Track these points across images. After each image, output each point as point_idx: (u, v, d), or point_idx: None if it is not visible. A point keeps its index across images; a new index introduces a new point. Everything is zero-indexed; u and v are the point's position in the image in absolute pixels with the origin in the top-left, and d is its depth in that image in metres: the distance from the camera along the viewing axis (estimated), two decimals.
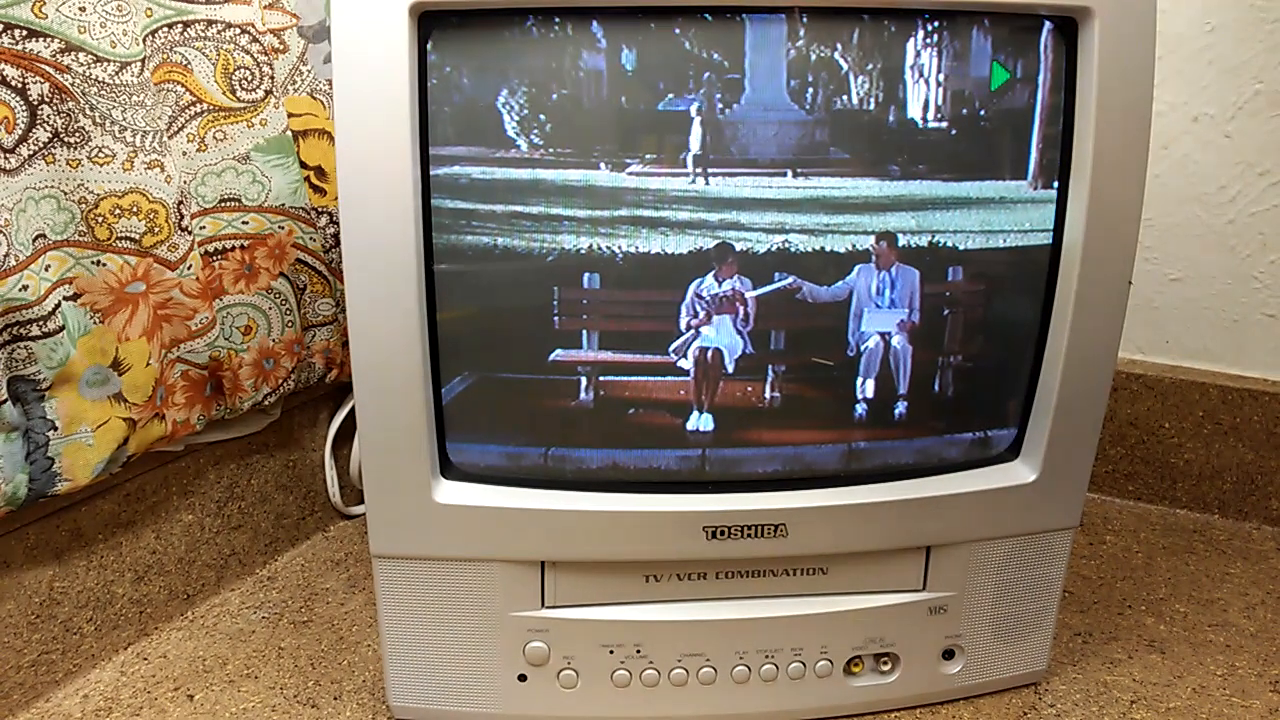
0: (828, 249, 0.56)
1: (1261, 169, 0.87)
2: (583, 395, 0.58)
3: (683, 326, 0.57)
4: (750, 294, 0.56)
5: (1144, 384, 0.93)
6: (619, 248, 0.55)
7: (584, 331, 0.57)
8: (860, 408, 0.59)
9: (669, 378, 0.58)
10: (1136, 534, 0.90)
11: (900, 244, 0.56)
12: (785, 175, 0.55)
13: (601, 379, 0.57)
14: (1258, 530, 0.91)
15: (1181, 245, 0.92)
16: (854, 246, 0.56)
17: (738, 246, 0.55)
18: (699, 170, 0.54)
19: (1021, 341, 0.60)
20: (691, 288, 0.56)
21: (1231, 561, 0.85)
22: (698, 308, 0.56)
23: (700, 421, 0.59)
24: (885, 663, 0.65)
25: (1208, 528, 0.91)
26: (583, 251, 0.55)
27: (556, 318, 0.56)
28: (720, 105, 0.53)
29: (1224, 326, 0.92)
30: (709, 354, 0.58)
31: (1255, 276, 0.90)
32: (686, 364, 0.58)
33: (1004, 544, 0.63)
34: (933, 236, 0.56)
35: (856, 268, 0.56)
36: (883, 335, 0.58)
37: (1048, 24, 0.55)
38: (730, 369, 0.58)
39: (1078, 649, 0.72)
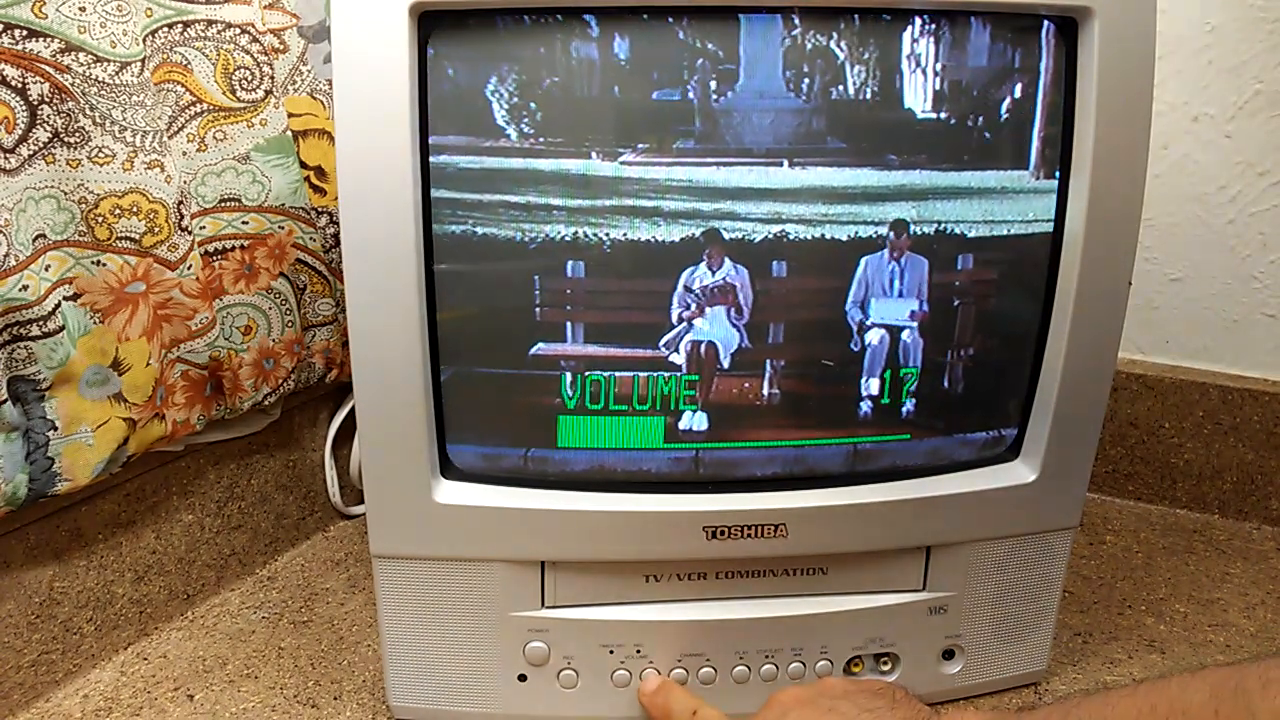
0: (827, 237, 0.55)
1: (1261, 169, 0.87)
2: (567, 392, 0.57)
3: (674, 319, 0.56)
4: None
5: (1144, 384, 0.93)
6: (606, 236, 0.54)
7: (568, 324, 0.56)
8: (865, 405, 0.59)
9: (660, 373, 0.57)
10: (1136, 534, 0.90)
11: (912, 232, 0.56)
12: (781, 164, 0.54)
13: (587, 375, 0.57)
14: (1258, 530, 0.91)
15: (1181, 245, 0.92)
16: (855, 235, 0.55)
17: (729, 235, 0.55)
18: (693, 159, 0.54)
19: (1023, 339, 0.60)
20: (682, 278, 0.55)
21: (1231, 561, 0.85)
22: (689, 299, 0.55)
23: (694, 420, 0.58)
24: (885, 663, 0.65)
25: (1208, 528, 0.91)
26: (568, 240, 0.54)
27: (538, 309, 0.55)
28: (714, 94, 0.53)
29: (1224, 326, 0.92)
30: (702, 348, 0.57)
31: (1255, 276, 0.90)
32: (679, 359, 0.57)
33: (1004, 544, 0.63)
34: (937, 226, 0.56)
35: (863, 260, 0.56)
36: (888, 329, 0.58)
37: (1048, 23, 0.55)
38: (726, 364, 0.57)
39: (1078, 649, 0.72)
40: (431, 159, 0.53)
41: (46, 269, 0.60)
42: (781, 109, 0.53)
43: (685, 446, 0.59)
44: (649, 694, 0.61)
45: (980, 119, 0.55)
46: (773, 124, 0.54)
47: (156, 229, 0.65)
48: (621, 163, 0.53)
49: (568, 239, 0.54)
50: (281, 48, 0.74)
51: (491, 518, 0.58)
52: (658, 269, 0.55)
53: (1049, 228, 0.58)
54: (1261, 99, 0.85)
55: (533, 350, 0.56)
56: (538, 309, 0.56)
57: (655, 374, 0.57)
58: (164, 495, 0.74)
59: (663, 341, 0.57)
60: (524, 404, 0.57)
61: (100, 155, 0.62)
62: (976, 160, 0.56)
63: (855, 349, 0.58)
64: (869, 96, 0.54)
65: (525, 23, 0.52)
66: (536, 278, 0.55)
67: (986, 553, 0.63)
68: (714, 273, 0.55)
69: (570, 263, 0.55)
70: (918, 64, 0.54)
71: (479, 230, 0.54)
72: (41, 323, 0.59)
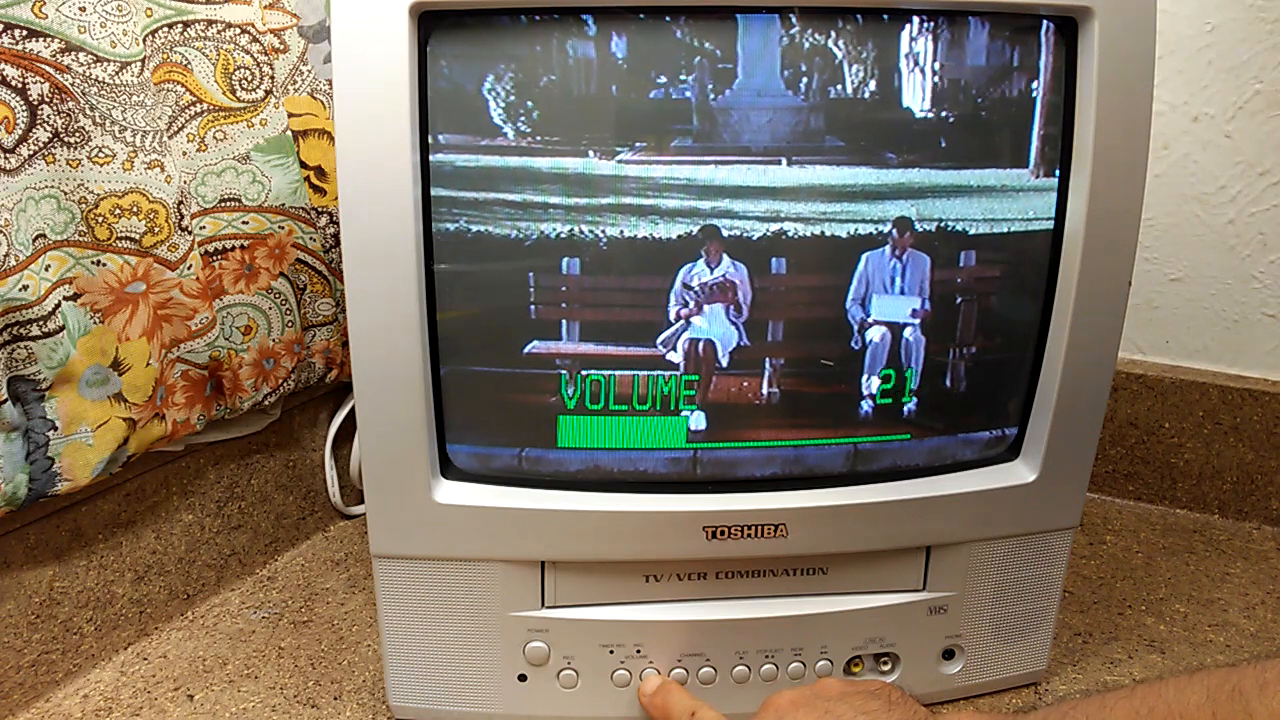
0: (827, 235, 0.55)
1: (1261, 169, 0.87)
2: (566, 391, 0.57)
3: (672, 317, 0.56)
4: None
5: (1144, 384, 0.93)
6: (603, 234, 0.54)
7: (563, 321, 0.56)
8: (865, 404, 0.59)
9: (660, 373, 0.57)
10: (1136, 534, 0.90)
11: (916, 229, 0.56)
12: (780, 163, 0.54)
13: (583, 373, 0.57)
14: (1258, 530, 0.91)
15: (1181, 245, 0.92)
16: (855, 233, 0.55)
17: (728, 232, 0.54)
18: (691, 158, 0.53)
19: (1024, 338, 0.60)
20: (680, 275, 0.55)
21: (1231, 561, 0.85)
22: (687, 297, 0.55)
23: (692, 420, 0.58)
24: (885, 663, 0.65)
25: (1208, 528, 0.91)
26: (564, 237, 0.54)
27: (532, 306, 0.55)
28: (712, 93, 0.53)
29: (1224, 326, 0.92)
30: (700, 346, 0.56)
31: (1255, 276, 0.90)
32: (676, 357, 0.57)
33: (1004, 544, 0.63)
34: (938, 224, 0.56)
35: (864, 256, 0.56)
36: (890, 326, 0.57)
37: (1047, 23, 0.55)
38: (724, 363, 0.57)
39: (1078, 649, 0.72)
40: (431, 158, 0.53)
41: (46, 269, 0.60)
42: (780, 107, 0.53)
43: (684, 446, 0.59)
44: (649, 694, 0.61)
45: (979, 118, 0.55)
46: (771, 122, 0.54)
47: (156, 229, 0.65)
48: (619, 161, 0.53)
49: (564, 236, 0.54)
50: (281, 48, 0.74)
51: (491, 518, 0.58)
52: (655, 266, 0.55)
53: (1049, 226, 0.58)
54: (1261, 99, 0.85)
55: (527, 348, 0.56)
56: (532, 306, 0.55)
57: (655, 373, 0.57)
58: (164, 495, 0.74)
59: (660, 340, 0.56)
60: (524, 404, 0.57)
61: (100, 155, 0.62)
62: (976, 159, 0.56)
63: (856, 347, 0.58)
64: (868, 95, 0.54)
65: (523, 22, 0.52)
66: (531, 275, 0.55)
67: (986, 553, 0.63)
68: (712, 270, 0.55)
69: (565, 260, 0.55)
70: (916, 63, 0.54)
71: (475, 228, 0.54)
72: (41, 323, 0.59)
